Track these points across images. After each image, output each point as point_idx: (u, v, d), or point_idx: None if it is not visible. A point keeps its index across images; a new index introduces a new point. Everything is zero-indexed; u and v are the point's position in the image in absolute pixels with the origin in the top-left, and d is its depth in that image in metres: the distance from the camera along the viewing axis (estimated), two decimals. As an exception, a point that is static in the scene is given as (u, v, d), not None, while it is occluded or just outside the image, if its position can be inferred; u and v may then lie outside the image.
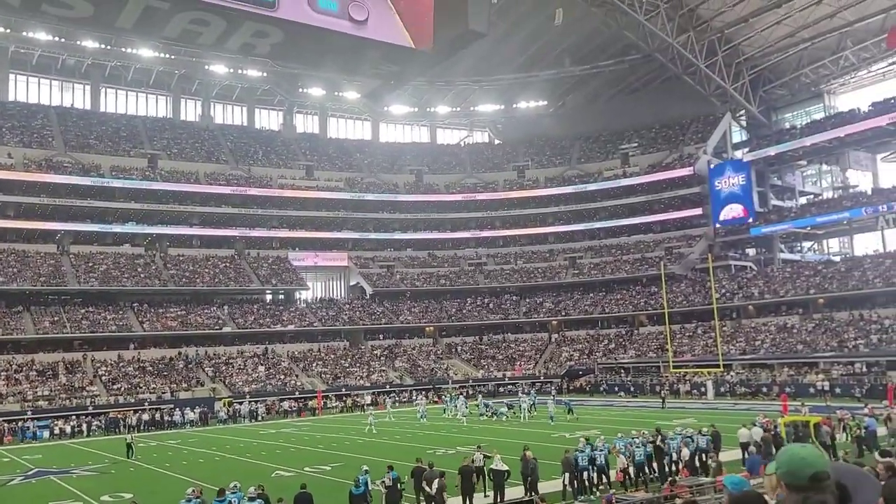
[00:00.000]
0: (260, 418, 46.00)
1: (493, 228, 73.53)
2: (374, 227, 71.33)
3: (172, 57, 64.29)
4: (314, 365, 56.51)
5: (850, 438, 22.81)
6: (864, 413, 24.21)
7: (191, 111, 73.94)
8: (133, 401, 45.86)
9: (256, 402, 48.05)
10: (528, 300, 67.56)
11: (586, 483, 18.40)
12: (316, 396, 49.92)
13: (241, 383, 51.24)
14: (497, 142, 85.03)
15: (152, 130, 68.68)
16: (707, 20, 59.45)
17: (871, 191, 58.85)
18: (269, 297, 65.22)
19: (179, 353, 53.59)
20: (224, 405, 46.54)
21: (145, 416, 43.08)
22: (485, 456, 18.92)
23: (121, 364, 50.99)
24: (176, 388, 48.76)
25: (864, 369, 42.10)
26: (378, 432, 34.40)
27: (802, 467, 2.36)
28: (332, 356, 58.73)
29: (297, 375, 54.19)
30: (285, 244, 67.65)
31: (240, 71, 68.25)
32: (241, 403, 47.18)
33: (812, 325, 49.96)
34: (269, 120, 78.37)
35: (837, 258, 61.80)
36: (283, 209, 66.55)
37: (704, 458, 20.08)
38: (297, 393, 50.99)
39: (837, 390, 40.06)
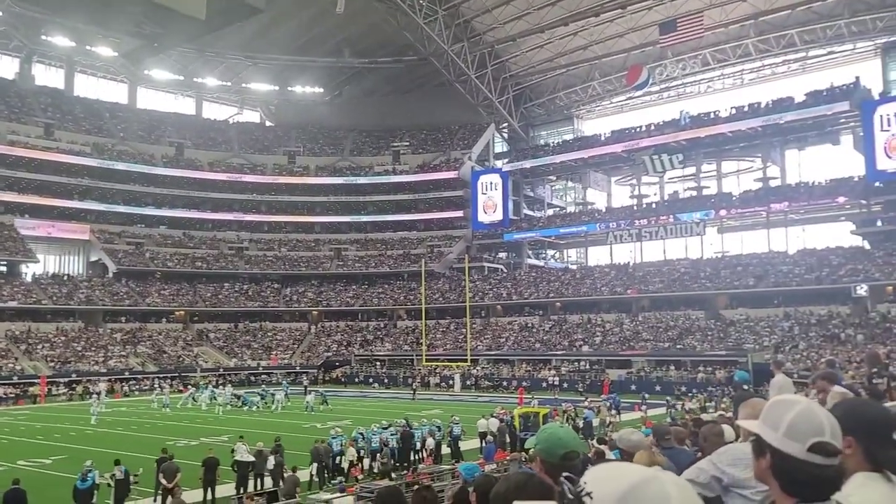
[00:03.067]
0: (-36, 407, 39.88)
1: (259, 213, 71.02)
2: (123, 200, 65.07)
3: None
4: (39, 347, 50.22)
5: (571, 427, 25.62)
6: (584, 405, 27.65)
7: None
8: None
9: (-39, 388, 41.54)
10: (289, 289, 66.31)
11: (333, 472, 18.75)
12: (39, 382, 44.48)
13: (-59, 367, 43.94)
14: (269, 124, 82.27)
15: None
16: (480, 33, 63.05)
17: (605, 209, 66.73)
18: (-14, 268, 56.69)
19: None
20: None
21: None
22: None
23: None
24: None
25: (588, 367, 47.57)
26: (112, 422, 31.64)
27: (557, 447, 2.64)
28: (63, 338, 52.65)
29: (16, 358, 47.74)
30: (12, 209, 59.11)
31: (-33, 3, 58.17)
32: (-61, 390, 40.49)
33: (549, 325, 55.28)
34: (1, 66, 67.96)
35: (574, 266, 69.12)
36: (13, 170, 58.20)
37: (457, 446, 21.68)
38: (15, 378, 44.96)
39: (565, 385, 44.73)
